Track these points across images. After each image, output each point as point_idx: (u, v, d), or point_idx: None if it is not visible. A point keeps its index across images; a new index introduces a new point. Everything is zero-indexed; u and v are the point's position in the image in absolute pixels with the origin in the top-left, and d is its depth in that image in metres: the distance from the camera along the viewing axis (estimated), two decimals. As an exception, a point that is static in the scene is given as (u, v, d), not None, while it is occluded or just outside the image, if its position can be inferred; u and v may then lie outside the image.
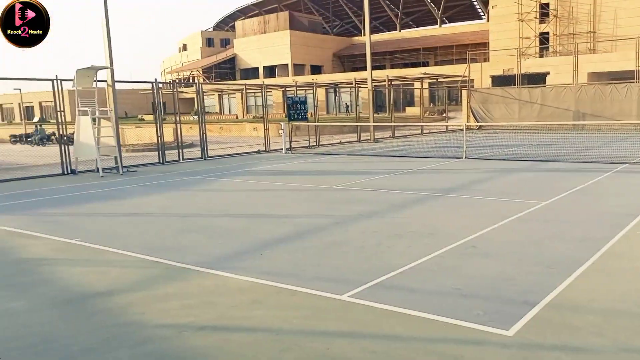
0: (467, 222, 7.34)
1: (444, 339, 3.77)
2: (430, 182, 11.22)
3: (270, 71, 60.78)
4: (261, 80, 56.38)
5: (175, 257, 5.97)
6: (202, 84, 19.01)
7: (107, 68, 13.88)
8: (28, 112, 62.54)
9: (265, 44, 60.21)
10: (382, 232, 6.91)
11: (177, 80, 59.65)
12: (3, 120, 63.51)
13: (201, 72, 65.21)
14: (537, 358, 3.47)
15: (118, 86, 14.80)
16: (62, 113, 13.89)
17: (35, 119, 58.49)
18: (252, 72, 61.67)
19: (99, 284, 5.23)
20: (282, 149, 19.53)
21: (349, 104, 48.49)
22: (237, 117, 51.84)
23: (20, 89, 39.40)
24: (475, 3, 61.30)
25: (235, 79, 62.15)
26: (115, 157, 14.36)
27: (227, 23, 75.14)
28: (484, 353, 3.55)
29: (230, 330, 4.05)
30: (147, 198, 10.42)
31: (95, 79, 14.03)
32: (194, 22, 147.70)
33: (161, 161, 16.37)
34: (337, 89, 49.17)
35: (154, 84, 16.18)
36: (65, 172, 14.27)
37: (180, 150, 16.93)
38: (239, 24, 65.42)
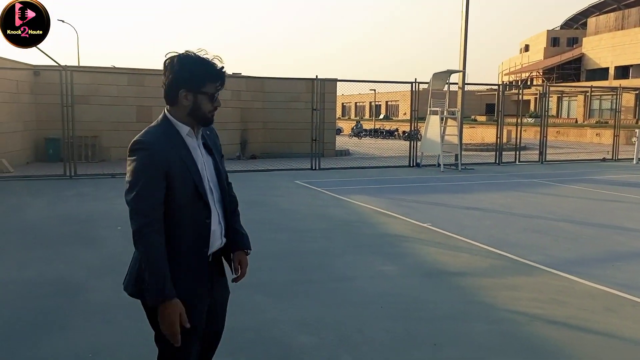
0: None
1: None
2: None
3: (622, 72, 54.15)
4: (611, 81, 50.84)
5: (520, 253, 6.21)
6: (549, 85, 18.41)
7: (460, 72, 14.81)
8: (376, 109, 70.34)
9: (621, 42, 53.86)
10: None
11: (515, 82, 58.58)
12: (356, 115, 72.82)
13: (541, 74, 62.43)
14: None
15: (454, 87, 15.61)
16: (416, 112, 15.45)
17: (381, 116, 65.67)
18: (599, 73, 56.02)
19: (452, 264, 5.88)
20: (633, 159, 17.49)
21: None
22: (576, 121, 48.16)
23: (375, 90, 44.91)
24: None
25: (578, 81, 57.51)
26: (456, 155, 15.26)
27: (577, 21, 69.82)
28: None
29: (582, 331, 4.11)
30: (487, 195, 10.86)
31: (447, 81, 15.12)
32: (539, 22, 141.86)
33: (497, 162, 16.63)
34: None
35: (501, 86, 16.50)
36: (411, 165, 15.86)
37: (518, 153, 16.87)
38: (591, 20, 60.18)
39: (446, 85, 15.26)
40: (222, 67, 2.17)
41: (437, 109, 15.06)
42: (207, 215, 2.18)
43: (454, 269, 5.72)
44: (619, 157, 18.18)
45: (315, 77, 15.32)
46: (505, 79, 66.93)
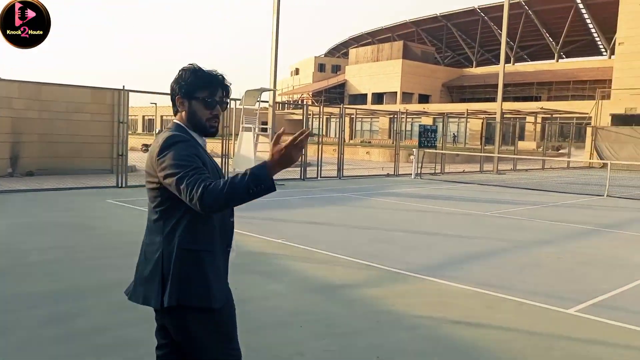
0: (650, 258, 7.48)
1: (697, 356, 4.11)
2: (584, 217, 11.26)
3: (378, 98, 61.93)
4: (369, 106, 57.61)
5: (384, 263, 6.66)
6: (346, 107, 20.06)
7: (271, 90, 15.26)
8: (150, 124, 67.78)
9: (377, 72, 61.55)
10: (568, 260, 7.24)
11: (289, 102, 62.21)
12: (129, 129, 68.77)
13: (311, 96, 67.58)
14: None
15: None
16: (227, 129, 15.38)
17: (157, 130, 63.31)
18: (360, 98, 63.14)
19: (334, 278, 6.02)
20: (410, 174, 20.10)
21: (456, 134, 48.37)
22: (344, 141, 53.09)
23: (156, 103, 43.27)
24: (597, 39, 59.14)
25: (343, 103, 63.83)
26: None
27: (339, 50, 77.65)
28: None
29: (484, 327, 4.62)
30: (315, 209, 11.35)
31: (259, 99, 15.41)
32: (306, 48, 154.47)
33: (302, 177, 17.48)
34: (446, 119, 49.14)
35: (305, 106, 17.42)
36: (222, 181, 15.69)
37: (319, 168, 18.00)
38: (352, 51, 67.45)
39: (257, 103, 15.55)
40: (219, 75, 2.26)
41: (250, 125, 15.24)
42: (231, 214, 2.33)
43: (338, 282, 5.88)
44: (400, 173, 20.69)
45: (122, 87, 14.17)
46: (279, 99, 70.79)
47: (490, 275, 6.32)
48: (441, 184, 17.87)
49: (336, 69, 71.97)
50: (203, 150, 2.25)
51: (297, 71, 75.87)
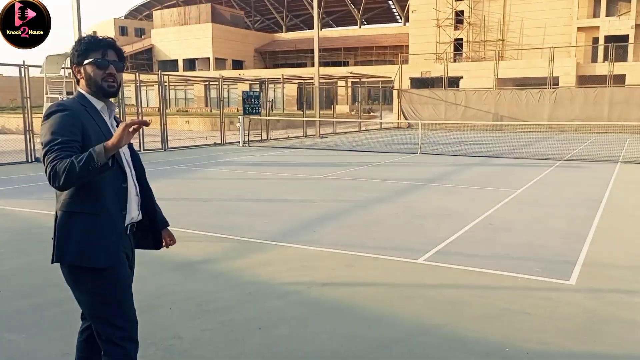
0: (467, 206, 8.46)
1: (527, 288, 4.76)
2: (407, 174, 12.31)
3: (190, 64, 59.85)
4: (182, 73, 55.49)
5: (238, 233, 6.53)
6: (164, 74, 18.89)
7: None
8: None
9: (186, 36, 59.22)
10: (404, 214, 7.85)
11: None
12: None
13: (116, 62, 62.74)
14: (605, 298, 4.56)
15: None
16: (29, 99, 13.50)
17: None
18: (170, 65, 60.31)
19: (192, 254, 5.71)
20: (237, 142, 19.93)
21: (273, 100, 49.21)
22: (158, 110, 50.69)
23: None
24: (393, 7, 64.17)
25: (152, 71, 60.49)
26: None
27: (141, 12, 72.77)
28: (565, 295, 4.58)
29: (350, 285, 4.80)
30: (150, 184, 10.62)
31: (64, 65, 13.76)
32: (104, 8, 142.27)
33: (122, 151, 16.26)
34: (265, 85, 49.58)
35: (137, 74, 16.06)
36: (30, 160, 13.88)
37: (142, 141, 16.91)
38: (157, 13, 63.71)
39: (64, 70, 13.90)
40: (107, 38, 2.44)
41: (56, 95, 13.62)
42: (123, 180, 2.40)
43: (196, 257, 5.60)
44: (227, 141, 20.37)
45: None
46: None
47: (342, 236, 6.57)
48: (270, 150, 18.06)
49: (140, 33, 67.55)
50: (95, 117, 2.33)
51: (94, 34, 69.52)
